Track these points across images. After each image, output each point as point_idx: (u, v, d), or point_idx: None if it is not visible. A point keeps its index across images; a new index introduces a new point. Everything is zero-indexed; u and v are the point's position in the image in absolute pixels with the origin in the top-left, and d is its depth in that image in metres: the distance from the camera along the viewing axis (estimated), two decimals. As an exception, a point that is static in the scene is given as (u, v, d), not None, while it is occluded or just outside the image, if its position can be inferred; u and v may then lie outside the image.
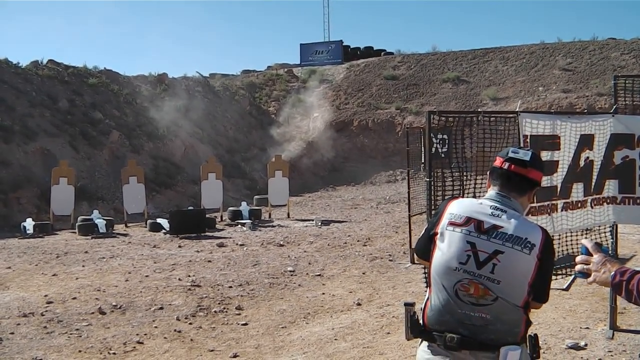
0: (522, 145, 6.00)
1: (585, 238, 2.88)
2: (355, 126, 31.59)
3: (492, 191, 3.01)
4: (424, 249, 3.07)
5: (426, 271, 3.13)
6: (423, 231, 3.14)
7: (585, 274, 2.54)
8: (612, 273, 2.45)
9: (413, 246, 11.27)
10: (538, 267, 2.81)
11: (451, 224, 2.92)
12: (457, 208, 2.96)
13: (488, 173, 3.11)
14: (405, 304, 3.07)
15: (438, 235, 2.95)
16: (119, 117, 25.81)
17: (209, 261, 11.91)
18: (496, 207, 2.92)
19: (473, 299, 2.83)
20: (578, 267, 2.56)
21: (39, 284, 10.19)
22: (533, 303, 2.89)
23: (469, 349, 2.83)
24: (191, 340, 7.29)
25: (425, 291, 3.09)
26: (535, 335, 2.95)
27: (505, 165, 2.97)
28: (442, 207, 3.05)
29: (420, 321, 2.98)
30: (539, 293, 2.86)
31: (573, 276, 2.61)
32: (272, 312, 8.43)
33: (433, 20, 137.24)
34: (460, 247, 2.87)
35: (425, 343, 2.97)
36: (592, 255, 2.53)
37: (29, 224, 16.46)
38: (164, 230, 16.19)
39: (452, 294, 2.86)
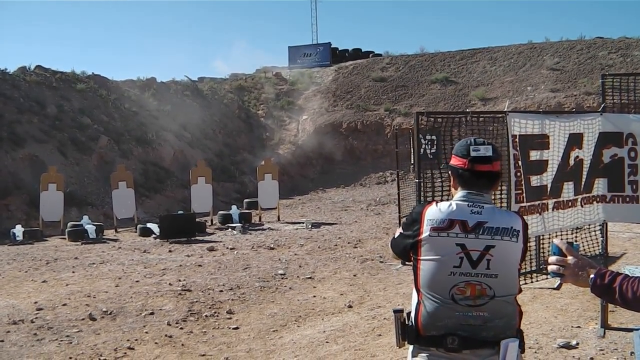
0: (511, 145, 6.00)
1: (556, 237, 2.93)
2: (345, 128, 31.54)
3: (462, 192, 2.99)
4: (403, 251, 3.03)
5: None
6: (397, 234, 3.09)
7: (559, 274, 2.55)
8: (592, 276, 2.47)
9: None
10: (523, 252, 2.92)
11: (434, 229, 2.88)
12: (436, 213, 2.91)
13: (450, 173, 3.09)
14: (394, 311, 3.04)
15: (422, 245, 2.90)
16: (107, 122, 25.69)
17: (200, 265, 11.86)
18: (473, 204, 2.92)
19: (470, 300, 2.84)
20: (553, 268, 2.56)
21: (28, 290, 10.12)
22: None
23: (470, 348, 2.84)
24: (182, 345, 7.26)
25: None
26: (520, 329, 2.98)
27: (471, 166, 2.95)
28: (418, 214, 2.96)
29: (414, 327, 2.94)
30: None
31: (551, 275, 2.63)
32: (263, 315, 8.40)
33: (421, 22, 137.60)
34: (450, 251, 2.85)
35: (423, 355, 2.93)
36: (566, 255, 2.54)
37: (18, 230, 16.35)
38: (154, 235, 16.12)
39: (448, 299, 2.85)
